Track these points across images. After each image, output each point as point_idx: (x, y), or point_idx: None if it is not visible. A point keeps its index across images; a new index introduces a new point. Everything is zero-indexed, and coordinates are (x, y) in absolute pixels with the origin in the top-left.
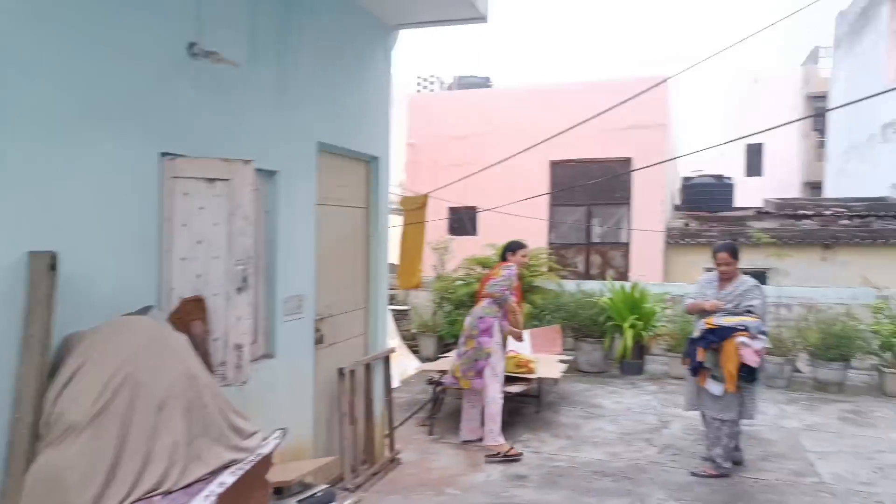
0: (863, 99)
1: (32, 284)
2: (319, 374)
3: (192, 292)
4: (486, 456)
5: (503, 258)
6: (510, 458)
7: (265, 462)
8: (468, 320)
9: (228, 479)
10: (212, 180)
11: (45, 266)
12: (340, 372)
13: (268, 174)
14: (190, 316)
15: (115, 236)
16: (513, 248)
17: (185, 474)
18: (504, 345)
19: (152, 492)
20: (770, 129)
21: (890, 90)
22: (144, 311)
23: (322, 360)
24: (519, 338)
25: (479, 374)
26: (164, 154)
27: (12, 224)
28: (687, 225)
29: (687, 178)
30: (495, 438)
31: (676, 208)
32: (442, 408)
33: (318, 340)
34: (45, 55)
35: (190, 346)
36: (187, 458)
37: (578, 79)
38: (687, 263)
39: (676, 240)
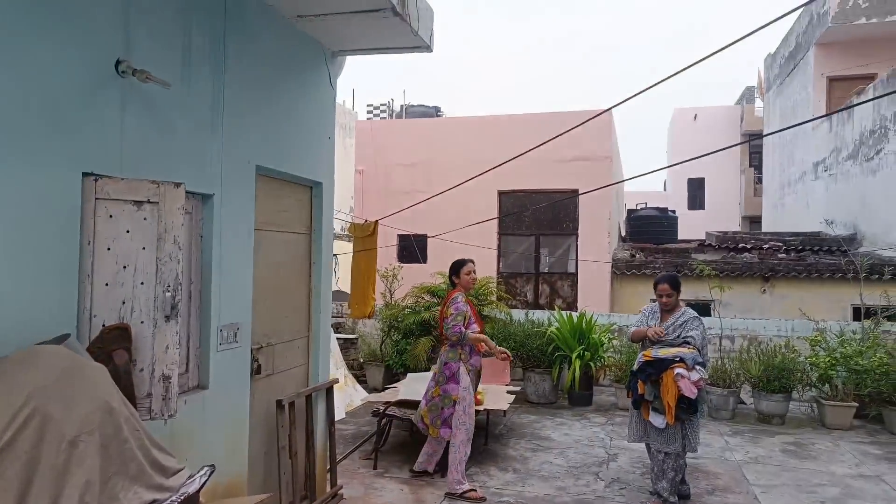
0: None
1: None
2: (256, 407)
3: (116, 320)
4: (447, 493)
5: (452, 284)
6: (468, 498)
7: (190, 502)
8: (438, 363)
9: None
10: (139, 202)
11: None
12: (279, 404)
13: (203, 197)
14: (112, 345)
15: (29, 259)
16: (456, 268)
17: None
18: (477, 380)
19: None
20: (694, 158)
21: (801, 123)
22: (60, 339)
23: (259, 392)
24: (505, 357)
25: (446, 422)
26: (87, 174)
27: None
28: (633, 256)
29: (632, 211)
30: (454, 488)
31: (622, 240)
32: (387, 440)
33: (256, 371)
34: None
35: (110, 378)
36: (101, 499)
37: (526, 110)
38: (633, 294)
39: (622, 270)
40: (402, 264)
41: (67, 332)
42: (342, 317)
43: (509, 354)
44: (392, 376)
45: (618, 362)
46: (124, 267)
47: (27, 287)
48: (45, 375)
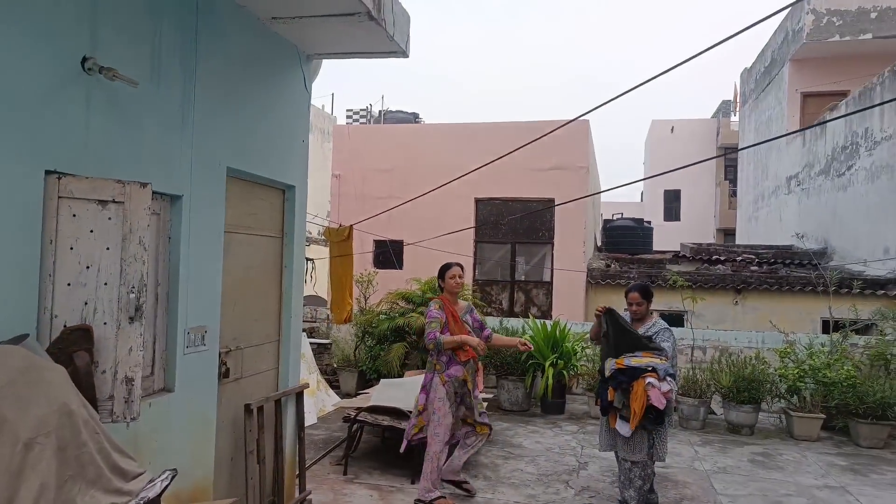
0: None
1: None
2: (224, 411)
3: (78, 320)
4: (417, 500)
5: (440, 289)
6: None
7: None
8: None
9: None
10: (104, 202)
11: None
12: (247, 408)
13: (171, 198)
14: (73, 346)
15: None
16: (441, 272)
17: None
18: (464, 390)
19: None
20: (670, 171)
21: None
22: (18, 339)
23: (227, 396)
24: (525, 346)
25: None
26: (50, 172)
27: None
28: (608, 266)
29: (608, 221)
30: (424, 496)
31: (598, 249)
32: (359, 446)
33: (224, 374)
34: None
35: (69, 379)
36: (57, 503)
37: (504, 119)
38: (607, 303)
39: (597, 280)
40: (377, 270)
41: (26, 332)
42: (316, 321)
43: (528, 343)
44: (366, 382)
45: (591, 371)
46: (87, 267)
47: None
48: (1, 376)
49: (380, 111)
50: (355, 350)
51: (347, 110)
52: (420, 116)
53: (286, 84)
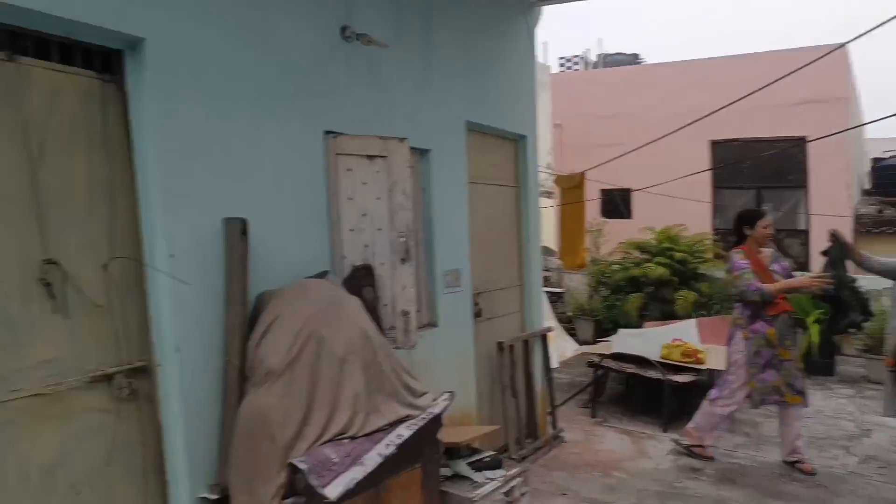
0: None
1: (228, 248)
2: (479, 346)
3: (360, 261)
4: (675, 441)
5: (738, 238)
6: (694, 454)
7: (436, 421)
8: None
9: (405, 431)
10: (371, 157)
11: (238, 231)
12: (500, 346)
13: (421, 152)
14: (361, 282)
15: (293, 207)
16: (749, 218)
17: (366, 423)
18: (776, 346)
19: (340, 435)
20: None
21: None
22: (322, 275)
23: (481, 333)
24: (816, 284)
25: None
26: (327, 132)
27: (209, 194)
28: (880, 211)
29: (878, 160)
30: (689, 432)
31: (865, 193)
32: (604, 392)
33: (477, 314)
34: (219, 45)
35: (363, 309)
36: (367, 409)
37: (738, 52)
38: (881, 254)
39: (868, 227)
40: (606, 220)
41: (326, 269)
42: (548, 270)
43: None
44: (602, 331)
45: (868, 330)
46: (364, 215)
47: (293, 231)
48: (316, 304)
49: (598, 55)
50: (589, 299)
51: (560, 58)
52: (641, 57)
53: (512, 34)
